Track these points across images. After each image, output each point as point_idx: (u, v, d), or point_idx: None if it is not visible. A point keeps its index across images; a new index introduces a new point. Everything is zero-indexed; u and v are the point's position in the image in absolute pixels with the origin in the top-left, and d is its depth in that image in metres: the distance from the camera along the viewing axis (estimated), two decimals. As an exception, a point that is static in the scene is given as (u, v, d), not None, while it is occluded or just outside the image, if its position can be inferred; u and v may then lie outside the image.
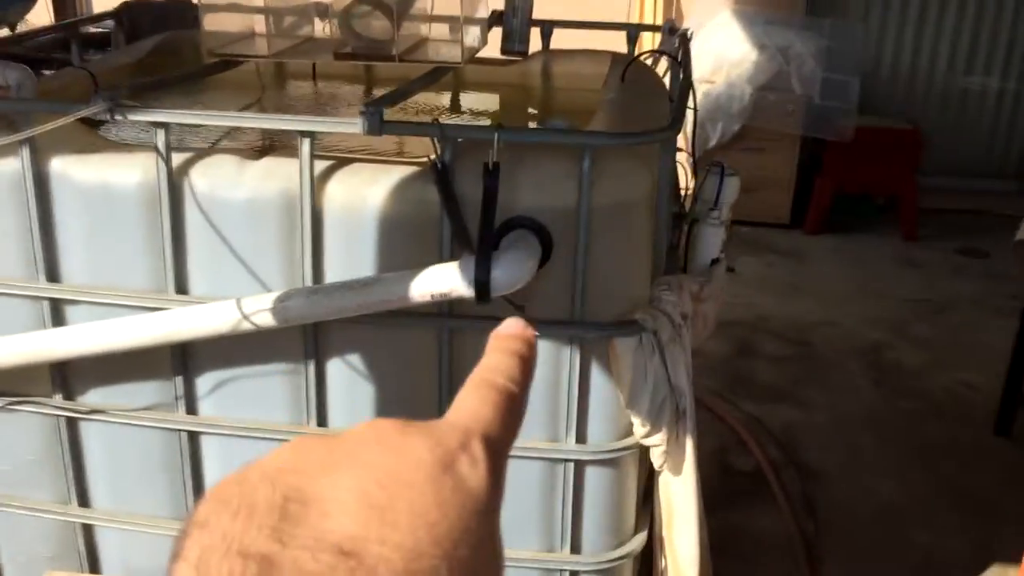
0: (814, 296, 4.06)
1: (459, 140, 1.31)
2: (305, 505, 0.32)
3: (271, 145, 1.75)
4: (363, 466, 0.33)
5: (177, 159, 1.38)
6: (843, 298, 4.06)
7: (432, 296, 1.27)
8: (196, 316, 1.35)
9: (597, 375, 1.40)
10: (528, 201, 1.32)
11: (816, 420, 3.04)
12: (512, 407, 0.39)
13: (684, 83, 1.63)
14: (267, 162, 1.39)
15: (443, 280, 1.26)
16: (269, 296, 1.33)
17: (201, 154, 1.41)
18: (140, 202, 1.38)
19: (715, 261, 1.77)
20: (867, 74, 4.93)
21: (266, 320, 1.32)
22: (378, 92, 2.32)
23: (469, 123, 2.07)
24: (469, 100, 2.26)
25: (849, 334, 3.69)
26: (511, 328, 0.43)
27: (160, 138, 1.35)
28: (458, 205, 1.29)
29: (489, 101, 2.31)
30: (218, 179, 1.38)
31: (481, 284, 1.23)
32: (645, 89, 1.95)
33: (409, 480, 0.33)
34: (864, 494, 2.67)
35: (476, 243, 1.26)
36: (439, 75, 1.72)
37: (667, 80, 2.12)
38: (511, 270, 1.24)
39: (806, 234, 4.78)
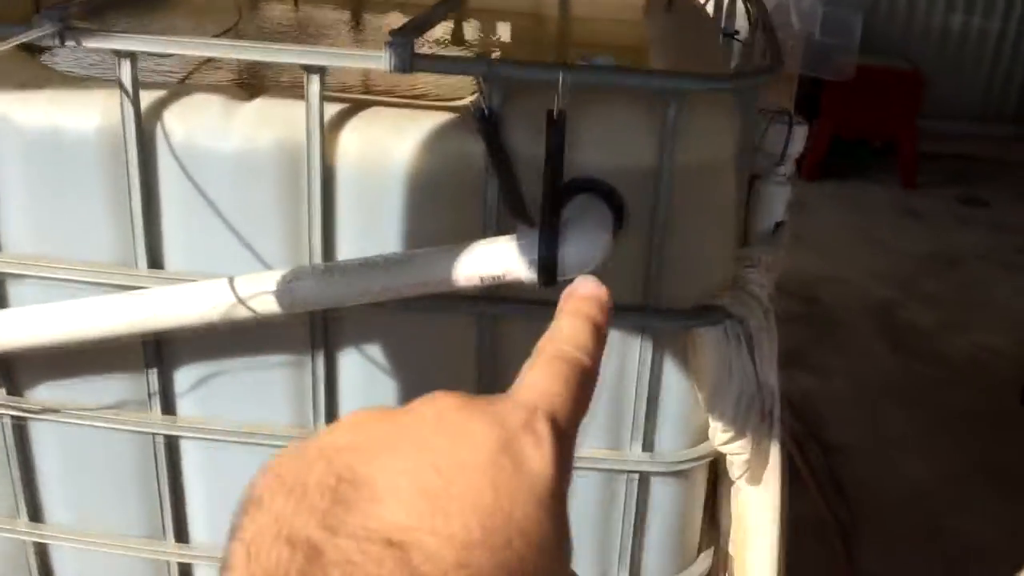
0: (816, 248, 3.85)
1: (512, 82, 1.03)
2: (357, 488, 0.30)
3: (251, 83, 1.46)
4: (419, 448, 0.32)
5: (146, 98, 1.09)
6: (847, 251, 3.87)
7: (482, 279, 1.00)
8: (178, 299, 1.07)
9: (670, 371, 1.15)
10: (589, 159, 1.05)
11: (834, 388, 2.85)
12: (583, 382, 0.37)
13: (761, 15, 1.36)
14: (262, 103, 1.11)
15: (497, 259, 0.99)
16: (271, 275, 1.05)
17: (177, 92, 1.12)
18: (100, 152, 1.09)
19: (779, 225, 1.53)
20: (865, 11, 4.68)
21: (268, 305, 1.05)
22: (371, 19, 2.03)
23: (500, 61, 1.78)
24: (474, 32, 1.97)
25: (857, 291, 3.50)
26: (586, 288, 0.40)
27: (126, 71, 1.05)
28: (510, 163, 1.03)
29: (498, 33, 2.02)
30: (200, 124, 1.09)
31: (548, 263, 0.97)
32: (693, 22, 1.68)
33: (466, 464, 0.31)
34: (891, 471, 2.49)
35: (535, 211, 1.00)
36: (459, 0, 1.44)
37: (710, 10, 1.85)
38: (583, 246, 0.99)
39: (802, 180, 4.55)
